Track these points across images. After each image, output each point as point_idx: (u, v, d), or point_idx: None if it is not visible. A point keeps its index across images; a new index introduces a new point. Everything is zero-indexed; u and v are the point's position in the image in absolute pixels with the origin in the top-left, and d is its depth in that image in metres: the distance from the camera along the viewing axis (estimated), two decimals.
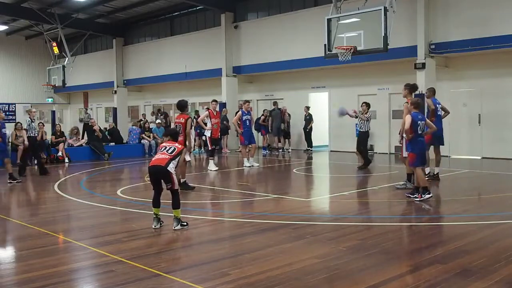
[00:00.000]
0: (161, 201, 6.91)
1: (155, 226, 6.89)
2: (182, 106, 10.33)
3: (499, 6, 15.13)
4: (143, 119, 23.62)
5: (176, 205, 6.82)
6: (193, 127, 13.43)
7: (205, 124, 13.82)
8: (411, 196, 8.91)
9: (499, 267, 4.99)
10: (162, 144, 7.19)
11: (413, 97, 10.40)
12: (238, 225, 7.17)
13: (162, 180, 6.85)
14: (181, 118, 10.17)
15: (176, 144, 7.11)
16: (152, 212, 6.97)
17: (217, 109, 14.45)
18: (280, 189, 11.23)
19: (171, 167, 6.80)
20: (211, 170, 13.78)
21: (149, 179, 7.46)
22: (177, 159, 6.95)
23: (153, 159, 7.01)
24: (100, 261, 5.46)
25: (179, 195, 6.90)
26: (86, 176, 13.57)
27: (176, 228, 6.78)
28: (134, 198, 9.51)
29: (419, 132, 8.87)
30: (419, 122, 8.84)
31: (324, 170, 15.72)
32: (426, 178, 10.91)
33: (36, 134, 13.98)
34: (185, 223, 6.92)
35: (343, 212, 8.13)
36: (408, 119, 8.83)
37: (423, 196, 8.74)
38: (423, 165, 9.11)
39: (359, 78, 19.34)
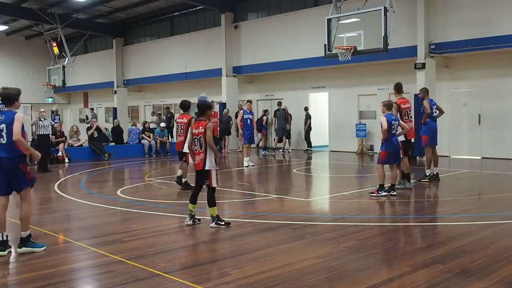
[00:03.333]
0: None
1: (187, 222, 6.95)
2: (186, 106, 10.53)
3: (499, 6, 15.13)
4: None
5: (211, 203, 6.88)
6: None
7: None
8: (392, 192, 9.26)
9: (499, 267, 4.99)
10: (194, 132, 6.97)
11: (402, 96, 10.50)
12: (238, 225, 7.16)
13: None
14: (184, 118, 10.39)
15: (200, 129, 6.89)
16: (188, 209, 7.04)
17: (215, 109, 14.52)
18: (280, 189, 11.23)
19: (209, 165, 6.86)
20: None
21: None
22: (209, 146, 6.84)
23: (195, 158, 7.00)
24: (100, 261, 5.46)
25: (214, 193, 6.95)
26: (86, 176, 13.57)
27: (212, 226, 6.84)
28: (134, 198, 9.51)
29: (393, 132, 9.29)
30: (393, 122, 9.28)
31: (324, 170, 15.72)
32: (427, 179, 10.99)
33: (46, 132, 14.57)
34: (222, 222, 6.89)
35: (343, 212, 8.13)
36: (384, 121, 9.22)
37: (379, 192, 9.21)
38: (394, 163, 9.52)
39: (359, 78, 19.33)
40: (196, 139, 6.94)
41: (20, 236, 5.87)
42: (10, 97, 5.98)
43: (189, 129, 7.26)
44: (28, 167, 5.99)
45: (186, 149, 10.50)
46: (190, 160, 10.56)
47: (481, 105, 16.34)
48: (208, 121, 7.01)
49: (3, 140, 5.77)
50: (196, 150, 6.96)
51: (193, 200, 7.04)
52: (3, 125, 5.78)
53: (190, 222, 7.01)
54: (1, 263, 5.52)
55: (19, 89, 6.16)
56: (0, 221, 5.82)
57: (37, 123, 14.55)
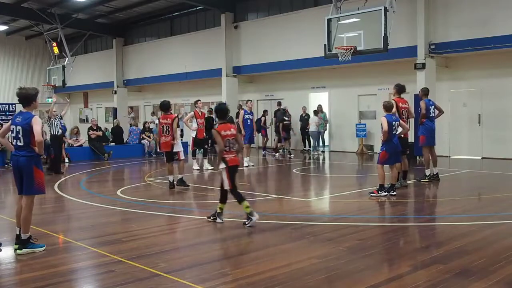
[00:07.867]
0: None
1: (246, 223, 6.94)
2: (166, 107, 10.70)
3: (499, 6, 15.13)
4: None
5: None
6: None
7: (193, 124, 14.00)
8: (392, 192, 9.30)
9: (499, 268, 4.99)
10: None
11: (401, 98, 10.48)
12: (238, 225, 7.17)
13: None
14: (168, 119, 10.56)
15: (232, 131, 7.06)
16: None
17: (202, 109, 14.60)
18: (280, 189, 11.23)
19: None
20: (195, 169, 14.04)
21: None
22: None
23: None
24: (100, 261, 5.46)
25: None
26: (86, 176, 13.57)
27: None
28: (134, 198, 9.52)
29: (393, 132, 9.31)
30: (393, 123, 9.31)
31: (324, 170, 15.71)
32: (427, 179, 11.00)
33: (58, 133, 14.20)
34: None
35: (343, 212, 8.13)
36: (384, 122, 9.24)
37: (379, 192, 9.25)
38: (394, 163, 9.56)
39: (359, 78, 19.33)
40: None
41: (20, 238, 5.86)
42: (28, 98, 5.92)
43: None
44: (43, 176, 6.03)
45: (177, 148, 10.55)
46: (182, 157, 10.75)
47: (481, 105, 16.34)
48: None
49: (20, 142, 5.83)
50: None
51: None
52: (19, 127, 5.80)
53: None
54: (1, 263, 5.52)
55: (37, 89, 6.10)
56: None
57: (49, 122, 14.05)
